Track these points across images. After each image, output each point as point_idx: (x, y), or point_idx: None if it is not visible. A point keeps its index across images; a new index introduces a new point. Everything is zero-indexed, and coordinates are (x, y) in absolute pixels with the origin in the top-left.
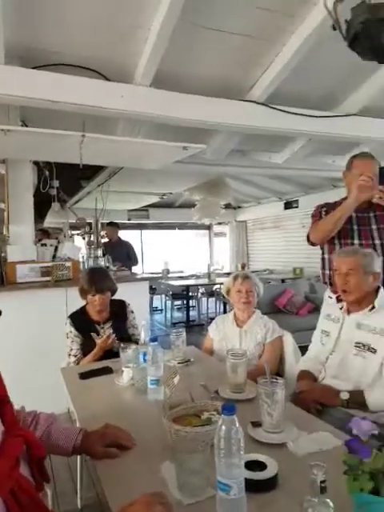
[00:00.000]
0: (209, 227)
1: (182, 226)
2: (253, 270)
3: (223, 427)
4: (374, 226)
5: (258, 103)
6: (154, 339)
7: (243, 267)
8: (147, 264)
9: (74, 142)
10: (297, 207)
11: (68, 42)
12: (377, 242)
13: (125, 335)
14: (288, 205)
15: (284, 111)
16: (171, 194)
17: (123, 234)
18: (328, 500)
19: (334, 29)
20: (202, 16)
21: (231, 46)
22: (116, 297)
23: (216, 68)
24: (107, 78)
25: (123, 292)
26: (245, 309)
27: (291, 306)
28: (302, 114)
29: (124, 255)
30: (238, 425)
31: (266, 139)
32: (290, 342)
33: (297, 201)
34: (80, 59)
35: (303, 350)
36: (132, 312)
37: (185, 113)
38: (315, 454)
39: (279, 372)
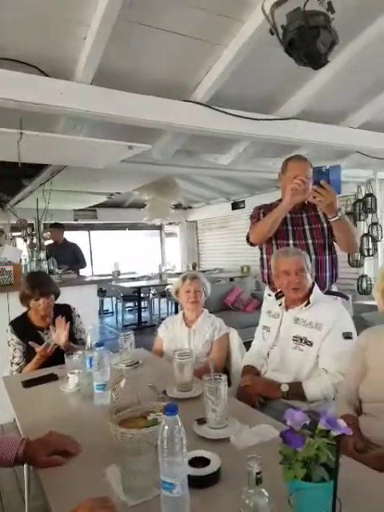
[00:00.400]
0: (160, 227)
1: (133, 227)
2: (203, 270)
3: (166, 427)
4: (306, 227)
5: (201, 104)
6: (100, 344)
7: (194, 267)
8: (96, 266)
9: (11, 140)
10: (243, 207)
11: (2, 35)
12: (309, 241)
13: (71, 340)
14: (235, 205)
15: (226, 113)
16: (119, 193)
17: (70, 236)
18: (263, 490)
19: (272, 33)
20: (144, 15)
21: (174, 46)
22: (63, 301)
23: (159, 68)
24: (46, 74)
25: (70, 296)
26: (193, 308)
27: (239, 304)
28: (243, 117)
29: (70, 257)
30: (180, 424)
31: (211, 140)
32: (235, 339)
33: (243, 201)
34: (16, 53)
35: (250, 345)
36: (78, 316)
37: (127, 111)
38: (256, 447)
39: (226, 367)
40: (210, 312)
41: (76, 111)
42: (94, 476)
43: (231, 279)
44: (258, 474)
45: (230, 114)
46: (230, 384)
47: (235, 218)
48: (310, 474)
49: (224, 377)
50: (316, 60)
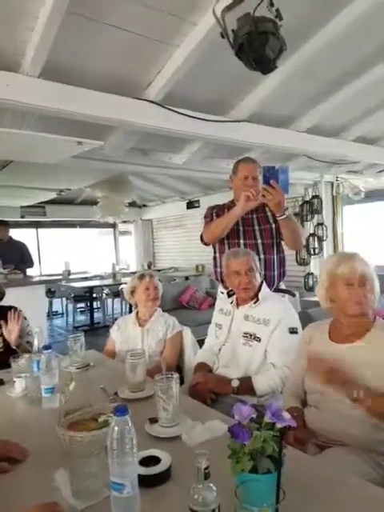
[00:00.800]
0: (113, 226)
1: (84, 224)
2: (159, 269)
3: (116, 428)
4: (256, 227)
5: (154, 103)
6: (47, 347)
7: (149, 266)
8: (45, 265)
9: None
10: (198, 207)
11: None
12: (259, 241)
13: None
14: (190, 204)
15: (179, 113)
16: (70, 190)
17: (16, 234)
18: (211, 484)
19: (223, 37)
20: (96, 10)
21: (127, 44)
22: (8, 303)
23: (111, 64)
24: None
25: (16, 297)
26: (152, 306)
27: (193, 302)
28: (195, 117)
29: (17, 257)
30: (130, 425)
31: (165, 139)
32: (188, 337)
33: (198, 201)
34: None
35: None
36: (25, 319)
37: (77, 107)
38: (207, 443)
39: (179, 365)
40: (165, 311)
41: (23, 105)
42: (43, 482)
43: (186, 278)
44: (206, 469)
45: (182, 113)
46: (183, 382)
47: (190, 217)
48: (257, 465)
49: (176, 375)
50: (265, 65)
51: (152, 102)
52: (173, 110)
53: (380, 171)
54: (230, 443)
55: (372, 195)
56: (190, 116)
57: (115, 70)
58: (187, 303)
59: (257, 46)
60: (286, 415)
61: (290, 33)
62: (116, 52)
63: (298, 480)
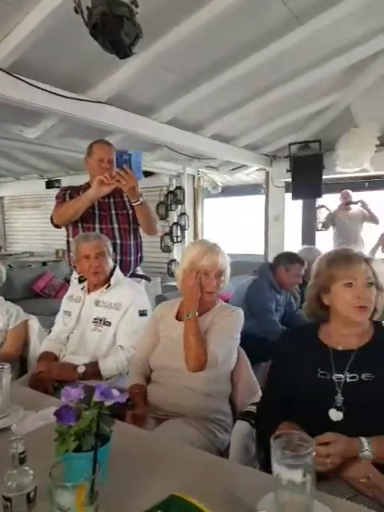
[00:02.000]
0: None
1: None
2: (10, 253)
3: None
4: (113, 212)
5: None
6: None
7: None
8: None
9: None
10: (59, 187)
11: None
12: (115, 226)
13: None
14: (50, 184)
15: (29, 83)
16: None
17: None
18: (27, 468)
19: (77, 12)
20: None
21: None
22: None
23: None
24: None
25: None
26: None
27: (50, 290)
28: (50, 91)
29: None
30: None
31: (15, 110)
32: (35, 326)
33: (59, 180)
34: None
35: None
36: None
37: None
38: (40, 430)
39: (23, 355)
40: (15, 300)
41: None
42: None
43: (44, 264)
44: (21, 454)
45: (34, 85)
46: (26, 372)
47: (50, 197)
48: (82, 444)
49: (7, 365)
50: (121, 49)
51: None
52: (22, 80)
53: (233, 169)
54: (56, 426)
55: (228, 190)
56: (42, 89)
57: None
58: (42, 291)
59: (112, 28)
60: (115, 392)
61: (150, 21)
62: None
63: (132, 455)
